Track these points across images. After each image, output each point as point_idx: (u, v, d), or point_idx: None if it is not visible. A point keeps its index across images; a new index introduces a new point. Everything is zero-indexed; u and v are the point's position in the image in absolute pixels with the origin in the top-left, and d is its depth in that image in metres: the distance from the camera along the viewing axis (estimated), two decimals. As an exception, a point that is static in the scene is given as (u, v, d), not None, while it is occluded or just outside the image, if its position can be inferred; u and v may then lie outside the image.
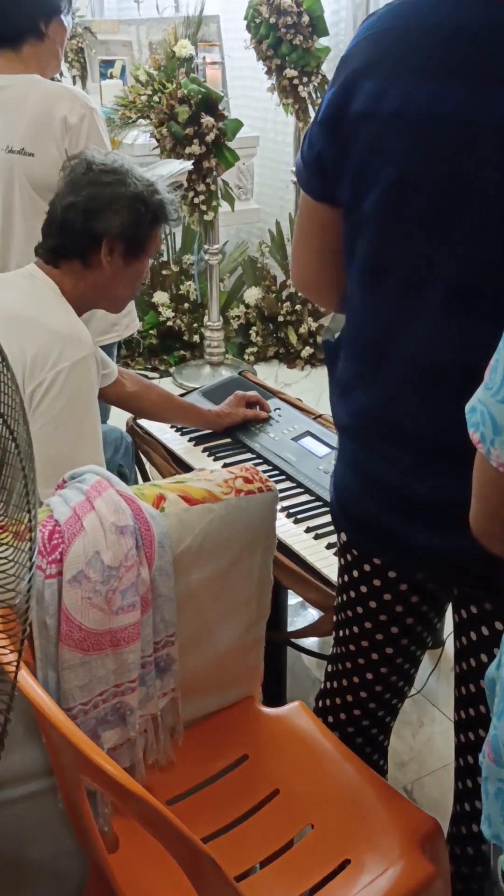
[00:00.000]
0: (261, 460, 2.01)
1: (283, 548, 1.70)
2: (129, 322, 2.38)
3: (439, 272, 1.05)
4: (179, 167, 2.56)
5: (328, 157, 1.14)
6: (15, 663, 0.89)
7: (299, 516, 1.81)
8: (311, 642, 2.34)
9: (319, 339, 4.09)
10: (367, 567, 1.34)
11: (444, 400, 1.09)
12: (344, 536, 1.37)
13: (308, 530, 1.77)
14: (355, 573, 1.36)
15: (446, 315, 1.06)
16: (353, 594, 1.38)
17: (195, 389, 2.39)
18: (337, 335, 1.28)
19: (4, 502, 0.84)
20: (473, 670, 1.27)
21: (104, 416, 2.30)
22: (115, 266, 1.67)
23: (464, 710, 1.32)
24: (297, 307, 4.16)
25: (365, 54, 1.08)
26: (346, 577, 1.39)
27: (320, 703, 1.54)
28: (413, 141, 1.04)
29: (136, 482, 2.24)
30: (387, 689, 1.44)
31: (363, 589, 1.36)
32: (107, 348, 2.29)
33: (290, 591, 1.78)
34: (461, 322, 1.06)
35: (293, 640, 2.10)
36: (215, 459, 2.04)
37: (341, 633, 1.44)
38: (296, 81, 3.71)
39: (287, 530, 1.76)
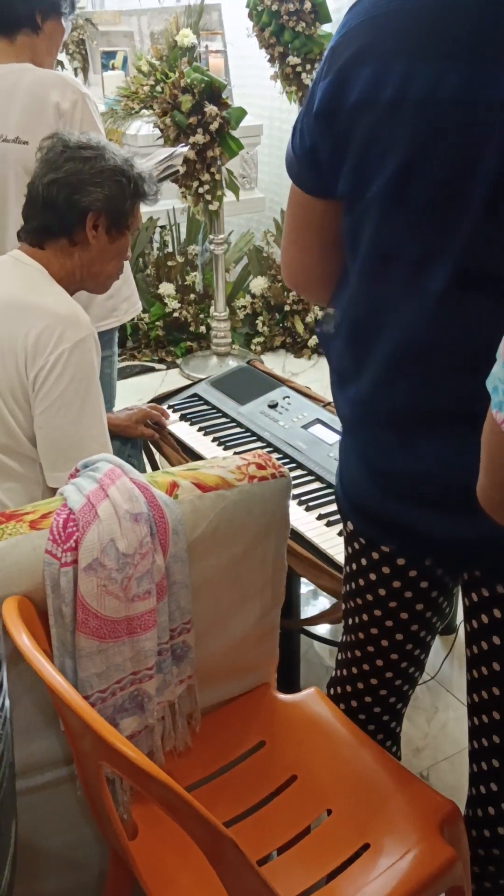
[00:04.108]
0: (271, 449, 2.01)
1: (296, 535, 1.70)
2: (128, 307, 2.37)
3: (446, 253, 1.04)
4: (172, 150, 2.55)
5: (324, 151, 1.11)
6: None
7: (311, 504, 1.81)
8: (323, 629, 2.34)
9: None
10: (375, 555, 1.33)
11: (435, 376, 1.10)
12: (350, 525, 1.36)
13: (320, 517, 1.76)
14: (363, 561, 1.35)
15: (450, 294, 1.05)
16: (361, 582, 1.37)
17: (203, 380, 2.39)
18: (333, 324, 1.25)
19: None
20: (484, 653, 1.27)
21: (109, 404, 2.30)
22: (100, 242, 1.68)
23: (476, 693, 1.32)
24: (304, 296, 4.15)
25: (358, 41, 1.05)
26: (353, 566, 1.38)
27: (331, 692, 1.54)
28: (415, 126, 1.01)
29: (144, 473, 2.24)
30: (397, 676, 1.44)
31: (372, 577, 1.35)
32: (107, 333, 2.29)
33: (302, 579, 1.78)
34: (465, 300, 1.05)
35: (306, 627, 2.10)
36: (225, 449, 2.03)
37: (350, 622, 1.44)
38: (299, 69, 3.69)
39: (299, 518, 1.76)
